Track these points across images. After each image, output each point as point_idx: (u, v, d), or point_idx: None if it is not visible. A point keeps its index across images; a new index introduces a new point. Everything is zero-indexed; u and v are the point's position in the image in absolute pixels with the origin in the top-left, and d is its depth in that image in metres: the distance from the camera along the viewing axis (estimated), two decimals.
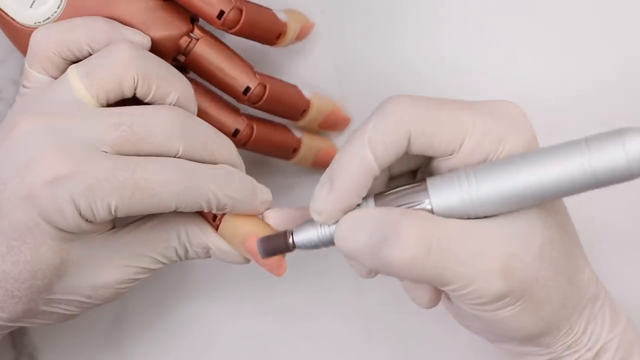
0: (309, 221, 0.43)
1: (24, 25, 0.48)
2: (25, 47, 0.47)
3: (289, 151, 0.53)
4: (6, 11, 0.48)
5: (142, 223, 0.47)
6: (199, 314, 0.56)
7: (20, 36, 0.48)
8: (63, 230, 0.43)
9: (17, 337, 0.55)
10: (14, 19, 0.48)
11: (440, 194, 0.41)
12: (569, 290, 0.43)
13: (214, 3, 0.48)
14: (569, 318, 0.44)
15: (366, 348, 0.56)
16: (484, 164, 0.41)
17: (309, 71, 0.56)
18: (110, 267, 0.46)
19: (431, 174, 0.43)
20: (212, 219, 0.47)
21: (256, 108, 0.50)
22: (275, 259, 0.46)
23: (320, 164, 0.55)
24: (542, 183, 0.39)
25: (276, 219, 0.46)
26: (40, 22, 0.47)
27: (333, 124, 0.55)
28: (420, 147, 0.41)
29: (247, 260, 0.47)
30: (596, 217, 0.53)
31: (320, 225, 0.43)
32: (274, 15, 0.50)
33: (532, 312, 0.42)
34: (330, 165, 0.42)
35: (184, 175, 0.43)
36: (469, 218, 0.41)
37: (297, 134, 0.53)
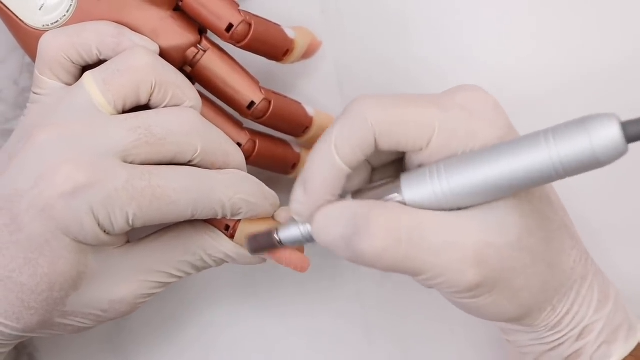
0: (292, 219, 0.44)
1: (33, 28, 0.47)
2: (34, 50, 0.47)
3: (288, 166, 0.53)
4: (15, 13, 0.47)
5: (156, 238, 0.47)
6: (199, 314, 0.56)
7: (28, 39, 0.47)
8: (81, 243, 0.43)
9: None
10: (23, 21, 0.47)
11: (412, 188, 0.42)
12: (550, 275, 0.43)
13: (223, 16, 0.48)
14: (551, 300, 0.44)
15: (366, 348, 0.56)
16: (455, 157, 0.41)
17: (308, 71, 0.56)
18: (127, 281, 0.46)
19: (406, 165, 0.44)
20: (224, 228, 0.47)
21: (260, 123, 0.50)
22: (297, 257, 0.47)
23: None
24: (510, 174, 0.40)
25: (288, 218, 0.46)
26: (49, 26, 0.47)
27: None
28: (387, 145, 0.42)
29: (264, 260, 0.48)
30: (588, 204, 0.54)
31: (302, 223, 0.44)
32: (282, 32, 0.50)
33: (510, 299, 0.43)
34: (304, 167, 0.43)
35: (199, 181, 0.44)
36: (442, 211, 0.42)
37: (296, 149, 0.53)
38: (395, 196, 0.42)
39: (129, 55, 0.45)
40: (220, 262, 0.48)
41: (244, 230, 0.47)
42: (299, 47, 0.51)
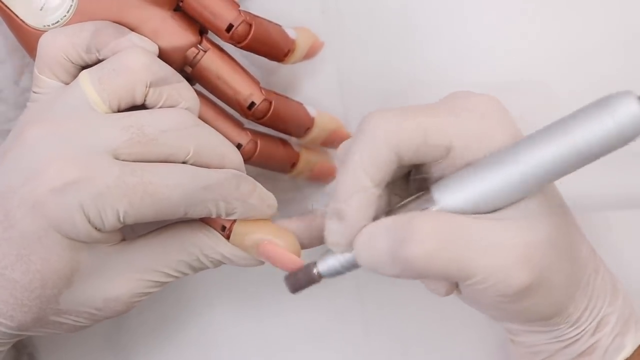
0: (329, 251, 0.44)
1: (34, 28, 0.47)
2: (34, 50, 0.46)
3: (287, 166, 0.53)
4: (17, 13, 0.47)
5: (152, 237, 0.46)
6: (199, 314, 0.56)
7: (29, 39, 0.47)
8: (73, 240, 0.43)
9: None
10: (24, 22, 0.47)
11: (446, 197, 0.42)
12: (572, 270, 0.44)
13: (224, 16, 0.48)
14: (573, 295, 0.44)
15: (365, 345, 0.56)
16: (480, 161, 0.42)
17: (309, 72, 0.56)
18: (122, 280, 0.45)
19: (423, 175, 0.44)
20: (220, 229, 0.47)
21: (260, 124, 0.50)
22: (288, 258, 0.46)
23: (316, 178, 0.55)
24: (540, 168, 0.40)
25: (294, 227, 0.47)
26: (49, 26, 0.47)
27: (335, 141, 0.54)
28: (409, 159, 0.42)
29: (262, 262, 0.48)
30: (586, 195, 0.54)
31: (340, 253, 0.44)
32: (283, 32, 0.50)
33: (547, 298, 0.43)
34: (333, 195, 0.43)
35: (192, 179, 0.44)
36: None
37: (296, 148, 0.53)
38: (430, 208, 0.42)
39: (125, 55, 0.45)
40: (217, 263, 0.47)
41: (238, 232, 0.46)
42: (300, 48, 0.51)
